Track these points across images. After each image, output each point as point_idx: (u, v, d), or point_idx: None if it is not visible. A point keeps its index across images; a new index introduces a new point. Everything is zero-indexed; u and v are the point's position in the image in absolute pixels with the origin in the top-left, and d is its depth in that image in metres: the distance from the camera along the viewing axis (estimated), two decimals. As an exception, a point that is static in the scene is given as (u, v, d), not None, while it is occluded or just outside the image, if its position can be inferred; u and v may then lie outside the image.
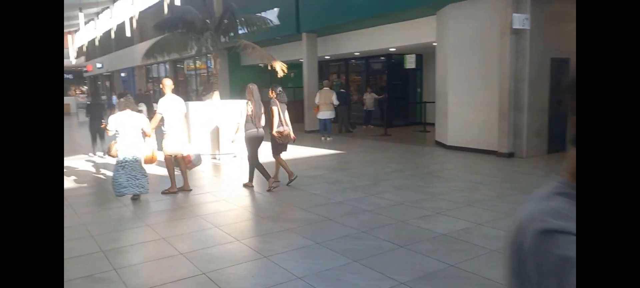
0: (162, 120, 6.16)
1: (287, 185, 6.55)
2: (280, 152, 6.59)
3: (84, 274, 3.61)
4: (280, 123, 6.40)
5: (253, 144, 6.31)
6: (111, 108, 11.16)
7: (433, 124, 11.75)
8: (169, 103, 6.17)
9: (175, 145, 6.24)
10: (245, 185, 6.56)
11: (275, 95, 6.47)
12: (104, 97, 14.88)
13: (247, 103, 6.29)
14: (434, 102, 11.50)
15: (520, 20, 8.00)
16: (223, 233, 4.58)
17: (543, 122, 8.68)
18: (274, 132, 6.39)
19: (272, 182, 6.29)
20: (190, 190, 6.37)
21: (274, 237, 4.40)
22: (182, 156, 6.37)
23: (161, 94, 6.42)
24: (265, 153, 6.69)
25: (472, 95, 9.23)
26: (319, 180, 6.93)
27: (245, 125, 6.30)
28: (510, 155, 8.46)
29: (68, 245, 4.27)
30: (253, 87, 6.34)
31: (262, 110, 6.37)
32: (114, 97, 24.68)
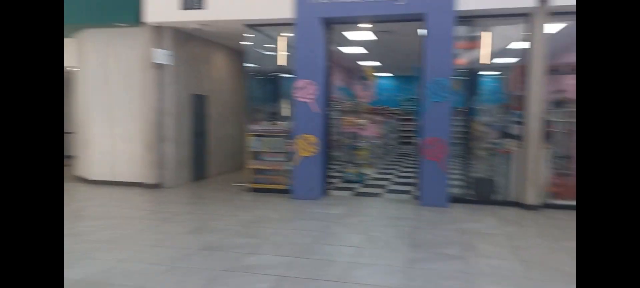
0: None
1: None
2: None
3: None
4: None
5: None
6: None
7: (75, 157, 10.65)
8: None
9: None
10: None
11: None
12: None
13: None
14: (75, 133, 10.46)
15: (161, 56, 8.39)
16: None
17: (186, 153, 9.34)
18: None
19: None
20: None
21: None
22: None
23: None
24: None
25: (116, 127, 8.96)
26: None
27: None
28: (156, 186, 8.65)
29: None
30: None
31: None
32: None
